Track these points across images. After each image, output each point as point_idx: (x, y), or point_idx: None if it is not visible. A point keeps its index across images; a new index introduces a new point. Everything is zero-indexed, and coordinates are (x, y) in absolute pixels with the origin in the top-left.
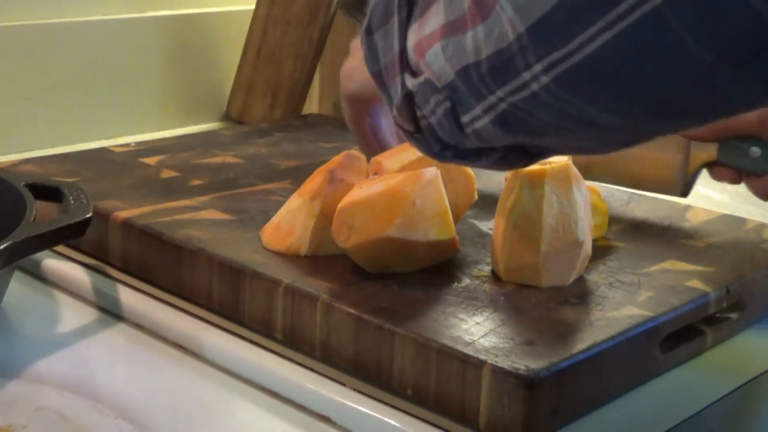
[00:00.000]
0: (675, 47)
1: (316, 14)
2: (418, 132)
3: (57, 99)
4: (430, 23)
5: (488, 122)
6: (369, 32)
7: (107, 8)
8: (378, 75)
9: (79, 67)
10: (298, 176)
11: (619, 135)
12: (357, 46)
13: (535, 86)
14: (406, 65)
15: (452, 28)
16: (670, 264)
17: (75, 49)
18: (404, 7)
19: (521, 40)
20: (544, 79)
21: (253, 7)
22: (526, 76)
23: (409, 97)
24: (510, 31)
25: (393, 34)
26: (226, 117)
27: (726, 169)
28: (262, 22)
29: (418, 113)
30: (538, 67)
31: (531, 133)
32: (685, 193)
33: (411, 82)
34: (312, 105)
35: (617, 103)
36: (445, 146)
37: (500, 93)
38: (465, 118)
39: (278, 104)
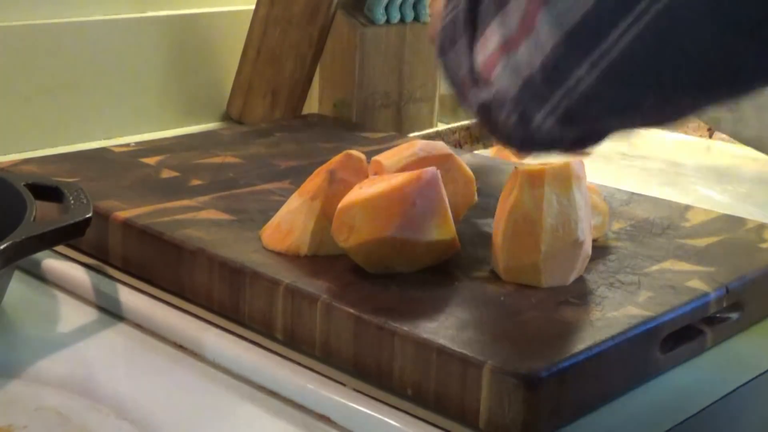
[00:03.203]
0: (690, 37)
1: (316, 14)
2: (497, 132)
3: (57, 99)
4: (490, 42)
5: (555, 121)
6: (442, 53)
7: (107, 8)
8: (458, 89)
9: (79, 67)
10: (298, 176)
11: (671, 108)
12: None
13: (582, 86)
14: (476, 81)
15: (507, 47)
16: (670, 264)
17: (75, 49)
18: (467, 29)
19: (559, 49)
20: (589, 79)
21: (253, 7)
22: (572, 80)
23: (483, 107)
24: (550, 42)
25: (461, 55)
26: (226, 117)
27: None
28: (262, 22)
29: (499, 119)
30: (582, 70)
31: (595, 120)
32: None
33: (484, 94)
34: (312, 105)
35: (658, 86)
36: (524, 142)
37: (556, 97)
38: (534, 124)
39: (278, 104)
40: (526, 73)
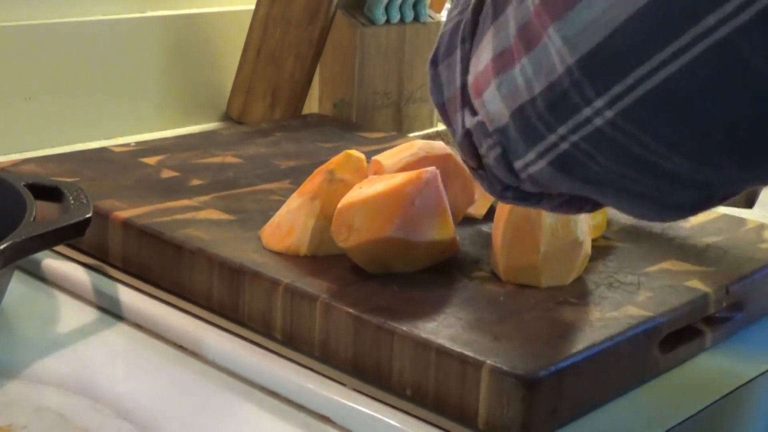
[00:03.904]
0: (751, 82)
1: (316, 14)
2: (481, 168)
3: (57, 99)
4: (482, 57)
5: (545, 165)
6: (434, 64)
7: (107, 8)
8: (442, 107)
9: (79, 67)
10: (298, 176)
11: (688, 189)
12: None
13: (599, 121)
14: (467, 101)
15: (501, 62)
16: (669, 264)
17: (75, 49)
18: (467, 40)
19: (572, 74)
20: (609, 114)
21: (253, 7)
22: (588, 111)
23: (468, 134)
24: (558, 64)
25: (455, 68)
26: (226, 117)
27: None
28: (262, 22)
29: (480, 150)
30: (599, 102)
31: (591, 181)
32: (749, 204)
33: (469, 120)
34: (312, 105)
35: (692, 140)
36: (506, 186)
37: (562, 130)
38: (518, 164)
39: (278, 104)
40: (523, 98)
